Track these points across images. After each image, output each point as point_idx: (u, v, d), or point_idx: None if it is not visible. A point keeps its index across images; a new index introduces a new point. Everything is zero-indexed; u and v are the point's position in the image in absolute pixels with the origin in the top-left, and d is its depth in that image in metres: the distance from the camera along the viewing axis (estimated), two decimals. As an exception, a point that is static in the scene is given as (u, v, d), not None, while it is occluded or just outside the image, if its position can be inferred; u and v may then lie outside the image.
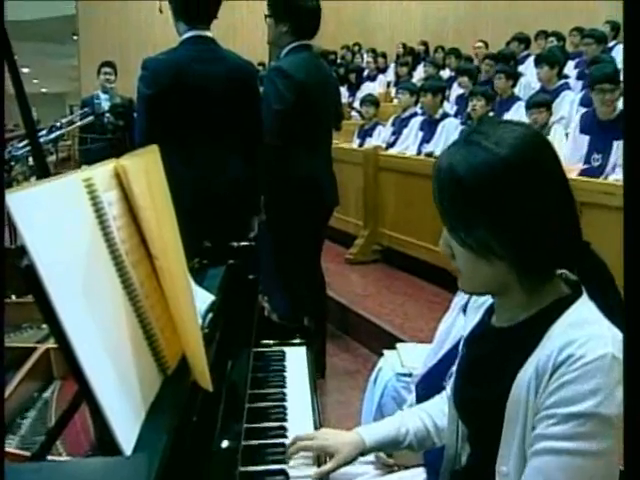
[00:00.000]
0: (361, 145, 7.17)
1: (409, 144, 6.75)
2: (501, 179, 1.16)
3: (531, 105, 5.56)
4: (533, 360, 1.18)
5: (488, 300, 1.42)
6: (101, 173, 1.18)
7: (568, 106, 6.40)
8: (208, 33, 3.16)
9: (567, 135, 5.33)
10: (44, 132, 5.46)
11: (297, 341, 2.13)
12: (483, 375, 1.32)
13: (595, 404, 1.09)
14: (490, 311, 1.39)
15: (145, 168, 1.14)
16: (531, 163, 1.17)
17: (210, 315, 1.50)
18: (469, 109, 6.27)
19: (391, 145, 6.95)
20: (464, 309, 2.11)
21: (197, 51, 3.11)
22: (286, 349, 2.08)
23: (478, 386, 1.33)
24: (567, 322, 1.18)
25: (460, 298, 2.21)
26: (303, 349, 2.10)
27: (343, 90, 10.61)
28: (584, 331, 1.14)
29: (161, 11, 14.13)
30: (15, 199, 0.89)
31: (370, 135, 7.35)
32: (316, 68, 3.61)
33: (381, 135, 7.28)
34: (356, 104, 9.48)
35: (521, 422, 1.19)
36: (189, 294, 1.09)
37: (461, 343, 1.49)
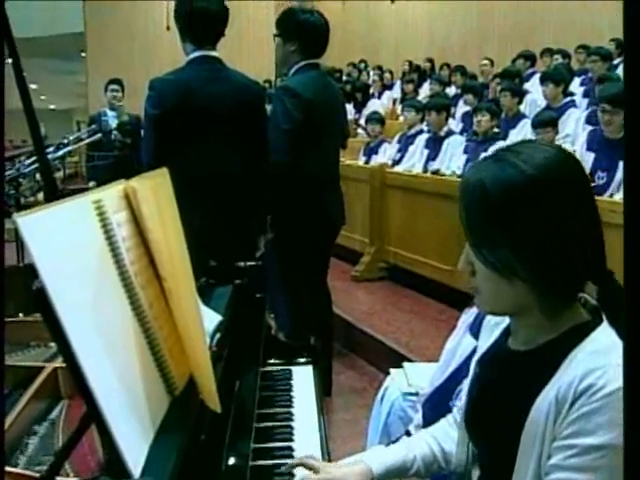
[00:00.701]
0: (367, 162, 7.18)
1: (415, 161, 6.76)
2: (528, 197, 1.15)
3: (537, 124, 5.58)
4: (553, 386, 1.16)
5: (504, 320, 1.40)
6: (111, 194, 1.18)
7: (574, 124, 6.41)
8: (214, 53, 3.19)
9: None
10: (51, 149, 5.47)
11: (304, 360, 2.13)
12: (498, 398, 1.31)
13: (615, 436, 1.07)
14: (506, 333, 1.37)
15: (155, 190, 1.15)
16: (559, 183, 1.16)
17: (218, 335, 1.51)
18: (474, 125, 6.28)
19: (397, 162, 6.96)
20: (471, 328, 2.12)
21: (203, 71, 3.14)
22: (293, 368, 2.08)
23: (492, 409, 1.32)
24: (588, 349, 1.16)
25: (467, 317, 2.21)
26: (310, 368, 2.10)
27: (349, 107, 10.64)
28: (605, 359, 1.12)
29: (168, 28, 14.32)
30: (26, 222, 0.90)
31: (376, 152, 7.37)
32: (324, 87, 3.63)
33: (387, 152, 7.29)
34: (362, 121, 9.51)
35: (537, 449, 1.17)
36: (198, 316, 1.09)
37: (473, 363, 1.47)
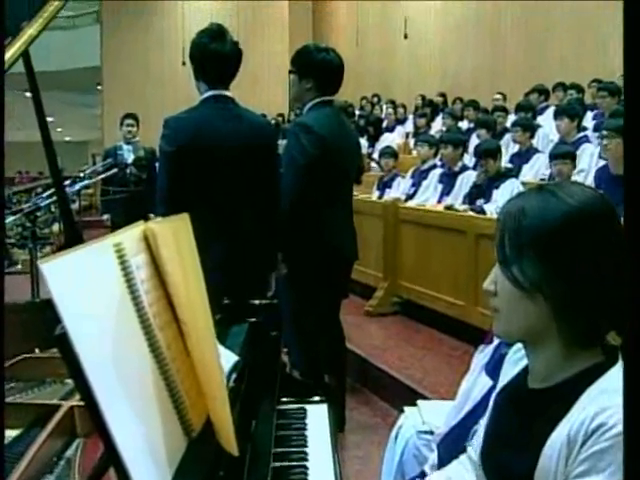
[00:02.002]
0: (380, 197, 7.21)
1: (429, 196, 6.78)
2: (568, 226, 1.20)
3: (555, 156, 5.56)
4: (566, 425, 1.17)
5: (524, 359, 1.40)
6: (130, 237, 1.20)
7: (588, 159, 6.41)
8: (227, 93, 3.25)
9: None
10: (68, 182, 5.53)
11: (318, 399, 2.13)
12: (512, 436, 1.31)
13: None
14: (525, 371, 1.38)
15: (174, 233, 1.16)
16: (599, 219, 1.21)
17: (234, 375, 1.51)
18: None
19: (410, 197, 6.99)
20: (486, 368, 2.11)
21: (216, 109, 3.21)
22: (307, 407, 2.07)
23: (507, 446, 1.31)
24: (600, 388, 1.18)
25: (482, 356, 2.21)
26: (324, 407, 2.09)
27: (362, 141, 10.70)
28: (617, 399, 1.12)
29: (184, 63, 14.50)
30: (50, 268, 0.91)
31: (389, 187, 7.40)
32: (339, 124, 3.66)
33: (400, 187, 7.32)
34: (375, 155, 9.56)
35: None
36: (216, 360, 1.10)
37: (492, 398, 1.47)
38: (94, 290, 1.02)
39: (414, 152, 9.42)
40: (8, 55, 1.56)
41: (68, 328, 0.91)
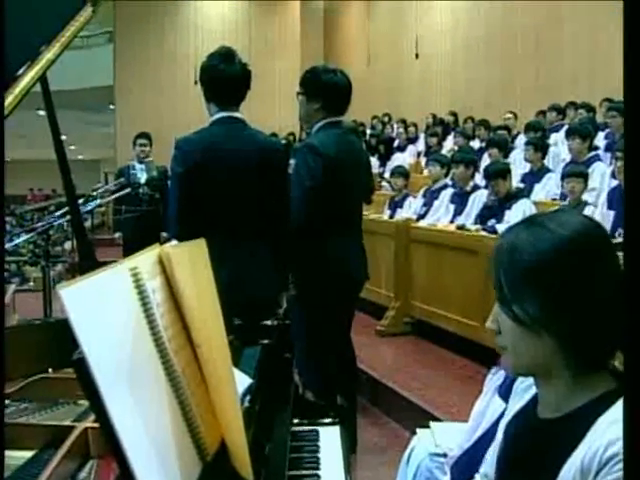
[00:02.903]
0: (392, 216, 7.21)
1: (440, 216, 6.77)
2: (562, 258, 1.19)
3: (569, 174, 5.56)
4: (578, 456, 1.16)
5: (533, 386, 1.40)
6: (146, 260, 1.21)
7: (599, 178, 6.40)
8: (237, 114, 3.27)
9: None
10: (80, 201, 5.56)
11: (330, 420, 2.12)
12: (525, 467, 1.30)
13: None
14: (535, 399, 1.37)
15: (190, 257, 1.18)
16: (591, 245, 1.21)
17: (248, 397, 1.51)
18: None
19: (422, 217, 6.98)
20: (499, 390, 2.11)
21: (226, 130, 3.22)
22: (320, 428, 2.07)
23: (520, 478, 1.31)
24: (613, 417, 1.16)
25: (496, 378, 2.20)
26: (337, 429, 2.09)
27: (373, 160, 10.72)
28: None
29: (196, 82, 14.55)
30: (69, 294, 0.92)
31: (401, 206, 7.40)
32: (347, 145, 3.67)
33: (412, 207, 7.31)
34: (387, 175, 9.57)
35: None
36: (232, 384, 1.11)
37: (501, 427, 1.47)
38: (111, 315, 1.03)
39: (425, 171, 9.43)
40: (27, 79, 1.58)
41: (86, 353, 0.92)
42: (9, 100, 1.48)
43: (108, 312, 1.02)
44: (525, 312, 1.21)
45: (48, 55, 1.72)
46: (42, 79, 1.81)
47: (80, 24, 1.88)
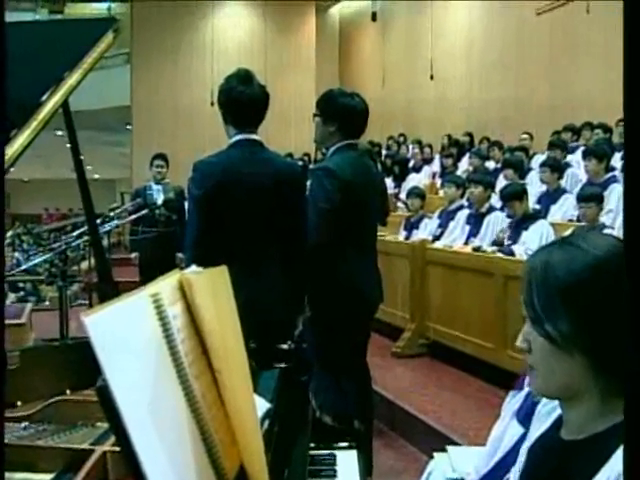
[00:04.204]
0: (407, 237, 7.21)
1: (456, 237, 6.76)
2: (596, 277, 1.19)
3: (581, 198, 5.54)
4: (602, 476, 1.15)
5: (556, 409, 1.39)
6: (166, 286, 1.22)
7: (616, 199, 6.37)
8: (255, 136, 3.29)
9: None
10: (98, 221, 5.60)
11: (347, 444, 2.12)
12: None
13: None
14: (558, 423, 1.36)
15: (212, 285, 1.18)
16: (621, 265, 1.19)
17: (267, 422, 1.51)
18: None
19: (437, 238, 6.97)
20: (517, 415, 2.09)
21: (244, 153, 3.24)
22: (337, 453, 2.06)
23: None
24: None
25: (514, 401, 2.18)
26: (354, 453, 2.08)
27: (388, 181, 10.73)
28: None
29: (212, 104, 14.67)
30: (93, 322, 0.93)
31: (416, 227, 7.39)
32: (363, 168, 3.70)
33: (427, 228, 7.31)
34: (402, 195, 9.57)
35: None
36: (252, 410, 1.11)
37: (522, 451, 1.46)
38: (134, 341, 1.04)
39: (441, 192, 9.43)
40: (50, 105, 1.61)
41: (109, 380, 0.93)
42: (33, 125, 1.50)
43: (131, 339, 1.03)
44: (558, 331, 1.21)
45: (70, 81, 1.75)
46: (65, 107, 1.84)
47: (101, 50, 1.91)
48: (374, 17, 16.12)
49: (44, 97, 1.64)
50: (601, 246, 1.22)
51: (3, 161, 1.51)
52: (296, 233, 3.31)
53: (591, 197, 5.49)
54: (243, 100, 3.21)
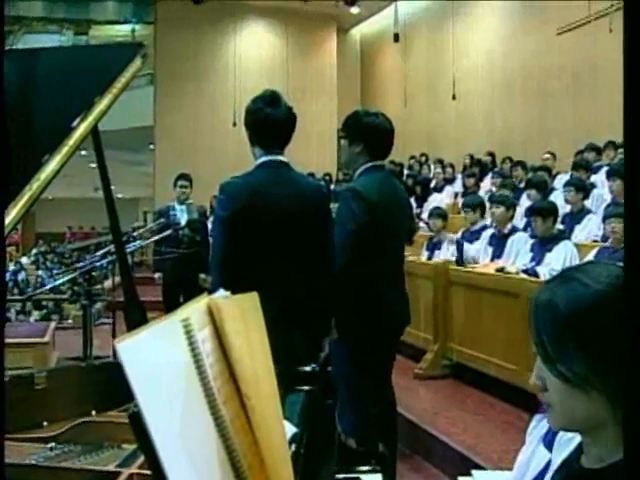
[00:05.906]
0: (430, 258, 7.18)
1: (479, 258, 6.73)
2: (602, 312, 1.17)
3: (610, 215, 5.49)
4: None
5: (577, 435, 1.38)
6: (195, 311, 1.23)
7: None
8: (282, 157, 3.30)
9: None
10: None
11: (372, 468, 2.11)
12: None
13: None
14: (579, 449, 1.35)
15: (241, 310, 1.19)
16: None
17: (294, 446, 1.51)
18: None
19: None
20: (544, 439, 2.07)
21: (271, 174, 3.24)
22: (361, 476, 2.05)
23: None
24: None
25: (541, 427, 2.16)
26: (378, 476, 2.07)
27: (411, 201, 10.70)
28: None
29: (235, 124, 14.79)
30: (124, 347, 0.94)
31: (439, 248, 7.37)
32: (390, 189, 3.70)
33: (450, 248, 7.28)
34: (424, 215, 9.55)
35: None
36: (282, 436, 1.11)
37: (548, 478, 1.45)
38: (165, 367, 1.05)
39: (463, 212, 9.40)
40: (80, 131, 1.63)
41: (141, 406, 0.93)
42: (64, 151, 1.53)
43: (162, 364, 1.04)
44: (571, 371, 1.19)
45: (101, 106, 1.78)
46: (94, 130, 1.87)
47: (130, 75, 1.94)
48: (396, 38, 16.13)
49: (75, 122, 1.67)
50: (603, 278, 1.20)
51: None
52: (322, 254, 3.31)
53: (621, 214, 5.43)
54: (270, 122, 3.22)
